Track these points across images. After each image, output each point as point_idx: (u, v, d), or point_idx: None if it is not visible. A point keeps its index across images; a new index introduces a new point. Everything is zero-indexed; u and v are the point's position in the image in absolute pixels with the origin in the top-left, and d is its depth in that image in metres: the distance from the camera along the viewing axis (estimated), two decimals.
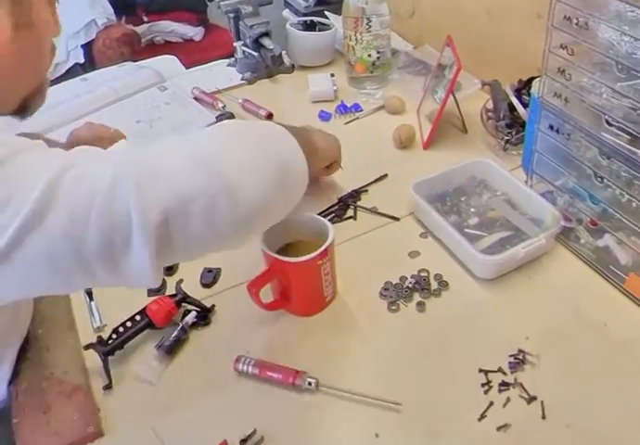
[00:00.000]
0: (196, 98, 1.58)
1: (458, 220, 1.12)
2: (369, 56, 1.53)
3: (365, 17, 1.47)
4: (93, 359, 0.93)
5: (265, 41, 1.58)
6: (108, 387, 0.90)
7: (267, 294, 0.97)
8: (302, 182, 0.81)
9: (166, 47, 2.93)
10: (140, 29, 2.90)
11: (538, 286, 1.01)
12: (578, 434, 0.80)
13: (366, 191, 1.24)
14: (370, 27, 1.48)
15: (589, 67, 0.91)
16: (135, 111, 1.36)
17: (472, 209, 1.14)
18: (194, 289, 1.03)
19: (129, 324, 0.95)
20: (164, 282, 1.06)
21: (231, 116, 1.47)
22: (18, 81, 0.77)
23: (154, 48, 2.91)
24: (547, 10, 0.92)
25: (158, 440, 0.83)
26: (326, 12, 1.78)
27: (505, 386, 0.86)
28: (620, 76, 0.86)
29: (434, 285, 1.02)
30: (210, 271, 1.08)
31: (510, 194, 1.15)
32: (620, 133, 0.89)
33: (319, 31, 1.72)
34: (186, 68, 1.80)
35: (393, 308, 0.99)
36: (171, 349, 0.94)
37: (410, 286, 1.02)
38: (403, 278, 1.03)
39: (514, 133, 1.28)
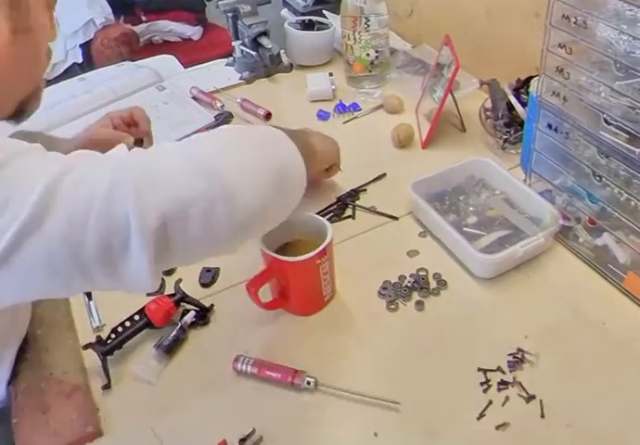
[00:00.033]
0: (194, 98, 1.58)
1: (457, 219, 1.12)
2: (368, 55, 1.53)
3: (364, 16, 1.47)
4: (92, 359, 0.93)
5: (264, 40, 1.58)
6: (106, 386, 0.90)
7: (266, 293, 0.97)
8: (301, 185, 0.81)
9: (164, 47, 2.93)
10: (138, 28, 2.90)
11: (537, 285, 1.01)
12: (577, 433, 0.80)
13: (365, 190, 1.24)
14: (368, 26, 1.48)
15: (587, 66, 0.91)
16: None
17: (471, 209, 1.14)
18: (193, 289, 1.03)
19: (128, 323, 0.95)
20: (163, 281, 1.06)
21: (229, 115, 1.47)
22: (15, 84, 0.77)
23: (152, 48, 2.91)
24: (546, 9, 0.92)
25: (157, 440, 0.83)
26: (324, 11, 1.78)
27: (503, 385, 0.86)
28: (618, 75, 0.86)
29: (433, 284, 1.02)
30: (208, 270, 1.07)
31: (509, 193, 1.15)
32: (618, 131, 0.89)
33: (317, 30, 1.72)
34: (185, 67, 1.80)
35: (392, 307, 0.99)
36: (169, 349, 0.94)
37: (409, 285, 1.02)
38: (401, 277, 1.03)
39: (512, 132, 1.28)
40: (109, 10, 2.75)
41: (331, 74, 1.60)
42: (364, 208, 1.19)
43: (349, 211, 1.19)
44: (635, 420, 0.81)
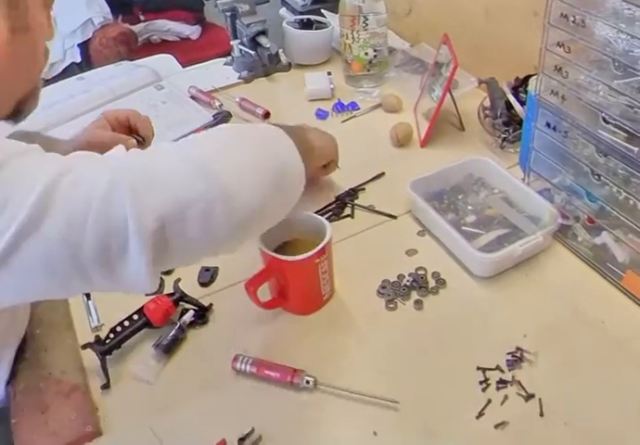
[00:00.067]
0: (193, 97, 1.58)
1: (456, 218, 1.12)
2: (366, 54, 1.53)
3: (362, 15, 1.47)
4: (90, 358, 0.93)
5: (262, 39, 1.58)
6: (105, 386, 0.90)
7: (265, 292, 0.97)
8: (299, 183, 0.81)
9: (163, 46, 2.93)
10: (137, 28, 2.90)
11: (536, 284, 1.01)
12: (576, 431, 0.80)
13: (364, 189, 1.24)
14: (367, 25, 1.48)
15: (586, 64, 0.91)
16: None
17: (469, 207, 1.14)
18: (191, 288, 1.03)
19: (126, 323, 0.95)
20: (162, 281, 1.06)
21: (228, 115, 1.47)
22: (12, 84, 0.76)
23: (151, 47, 2.91)
24: (544, 8, 0.92)
25: (156, 439, 0.83)
26: (322, 10, 1.78)
27: (502, 383, 0.86)
28: (616, 74, 0.86)
29: (432, 283, 1.02)
30: (207, 269, 1.07)
31: (507, 192, 1.15)
32: (616, 130, 0.89)
33: (316, 29, 1.72)
34: (183, 66, 1.80)
35: (391, 306, 0.99)
36: (168, 349, 0.94)
37: (408, 284, 1.02)
38: (400, 276, 1.03)
39: (511, 130, 1.28)
40: (108, 10, 2.75)
41: (330, 73, 1.60)
42: (363, 207, 1.19)
43: (347, 210, 1.19)
44: (634, 418, 0.81)
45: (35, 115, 0.84)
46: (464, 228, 1.09)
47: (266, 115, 1.48)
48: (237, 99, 1.54)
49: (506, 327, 0.94)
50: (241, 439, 0.81)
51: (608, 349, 0.90)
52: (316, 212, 1.11)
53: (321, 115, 1.48)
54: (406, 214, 1.17)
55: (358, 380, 0.88)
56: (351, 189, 1.23)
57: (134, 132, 1.24)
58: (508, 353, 0.90)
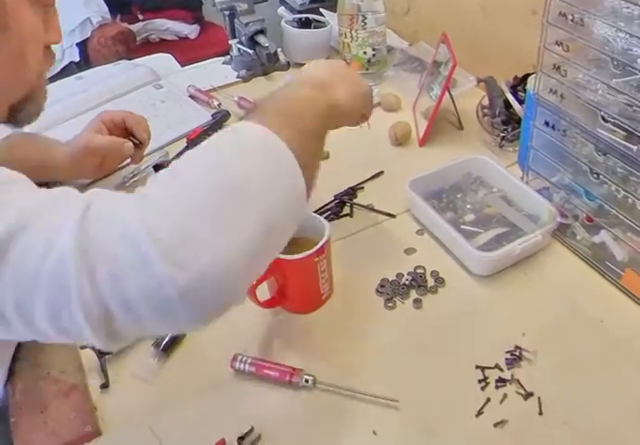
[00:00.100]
0: (191, 96, 1.58)
1: (454, 216, 1.12)
2: (365, 53, 1.53)
3: (361, 14, 1.47)
4: (89, 358, 0.93)
5: (261, 38, 1.58)
6: (104, 385, 0.90)
7: (264, 292, 0.97)
8: (292, 229, 0.68)
9: (161, 45, 2.93)
10: (135, 27, 2.89)
11: (534, 283, 1.01)
12: (575, 430, 0.80)
13: (362, 188, 1.24)
14: (365, 24, 1.48)
15: (584, 63, 0.91)
16: (131, 109, 1.35)
17: (468, 206, 1.14)
18: None
19: None
20: None
21: (227, 114, 1.47)
22: None
23: (149, 46, 2.91)
24: (542, 7, 0.92)
25: (155, 439, 0.83)
26: (321, 9, 1.78)
27: (501, 382, 0.86)
28: (615, 72, 0.86)
29: (431, 281, 1.02)
30: None
31: (506, 190, 1.15)
32: (615, 129, 0.89)
33: (314, 28, 1.72)
34: (182, 66, 1.80)
35: (390, 305, 0.99)
36: (167, 348, 0.94)
37: (406, 282, 1.02)
38: (399, 275, 1.03)
39: (510, 129, 1.28)
40: (106, 9, 2.74)
41: None
42: (362, 206, 1.19)
43: (346, 209, 1.19)
44: (633, 417, 0.81)
45: None
46: (463, 227, 1.09)
47: None
48: (236, 98, 1.54)
49: (505, 326, 0.94)
50: (240, 438, 0.81)
51: (607, 348, 0.90)
52: (315, 211, 1.11)
53: None
54: (405, 213, 1.17)
55: (357, 379, 0.88)
56: (349, 188, 1.23)
57: (130, 134, 1.24)
58: (507, 352, 0.90)
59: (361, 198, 1.21)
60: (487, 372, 0.87)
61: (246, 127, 0.68)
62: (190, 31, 3.04)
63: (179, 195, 0.59)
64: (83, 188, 1.13)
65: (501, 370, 0.88)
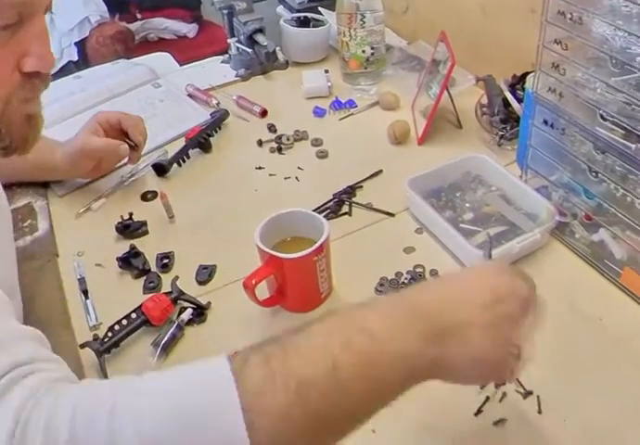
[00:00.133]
0: (190, 95, 1.58)
1: (453, 215, 1.12)
2: (363, 52, 1.53)
3: (359, 13, 1.46)
4: (89, 357, 0.93)
5: (259, 37, 1.58)
6: None
7: (263, 290, 0.97)
8: None
9: (160, 44, 2.93)
10: (133, 26, 2.90)
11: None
12: (574, 428, 0.80)
13: (361, 187, 1.24)
14: (364, 23, 1.48)
15: (583, 62, 0.91)
16: (129, 108, 1.36)
17: (467, 205, 1.14)
18: (189, 286, 1.03)
19: (125, 321, 0.95)
20: (160, 279, 1.06)
21: (225, 113, 1.47)
22: None
23: (148, 45, 2.91)
24: (541, 5, 0.92)
25: None
26: (319, 8, 1.78)
27: None
28: (614, 71, 0.86)
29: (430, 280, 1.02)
30: (205, 268, 1.07)
31: (505, 189, 1.15)
32: (614, 127, 0.89)
33: (313, 27, 1.72)
34: (180, 65, 1.80)
35: None
36: (167, 347, 0.94)
37: (406, 281, 1.02)
38: (398, 274, 1.03)
39: (508, 128, 1.28)
40: (105, 8, 2.75)
41: (327, 71, 1.60)
42: (361, 204, 1.19)
43: (345, 208, 1.19)
44: (632, 416, 0.81)
45: None
46: (461, 225, 1.09)
47: (263, 113, 1.48)
48: (235, 97, 1.54)
49: None
50: None
51: (606, 347, 0.90)
52: (314, 210, 1.11)
53: (318, 113, 1.48)
54: (404, 212, 1.17)
55: None
56: (348, 187, 1.23)
57: (125, 135, 1.24)
58: None
59: (360, 197, 1.21)
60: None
61: (227, 387, 0.54)
62: (189, 30, 3.04)
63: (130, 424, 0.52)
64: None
65: None
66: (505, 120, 1.28)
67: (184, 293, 1.01)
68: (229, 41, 1.65)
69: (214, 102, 1.53)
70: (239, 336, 0.96)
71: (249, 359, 0.57)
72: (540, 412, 0.82)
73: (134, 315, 0.96)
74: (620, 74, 0.86)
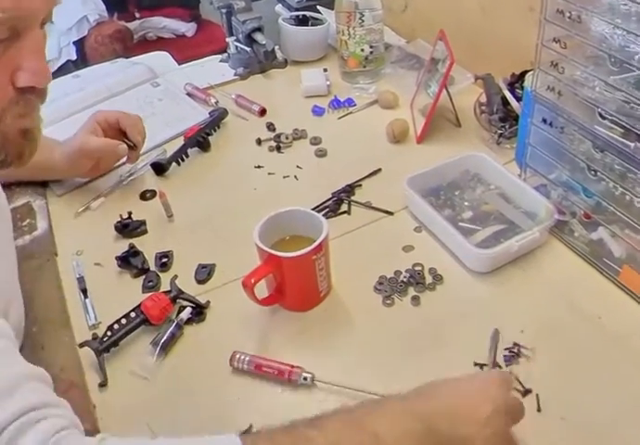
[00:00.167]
0: (189, 94, 1.58)
1: (452, 214, 1.12)
2: (362, 50, 1.53)
3: (358, 11, 1.46)
4: (88, 356, 0.93)
5: (258, 36, 1.58)
6: (103, 384, 0.90)
7: (262, 289, 0.97)
8: None
9: (158, 43, 2.93)
10: (132, 25, 2.90)
11: (532, 280, 1.01)
12: (573, 426, 0.80)
13: (360, 186, 1.24)
14: (363, 21, 1.48)
15: (582, 60, 0.91)
16: (128, 108, 1.36)
17: (466, 203, 1.14)
18: (188, 285, 1.03)
19: (124, 320, 0.95)
20: (159, 278, 1.06)
21: (224, 112, 1.47)
22: None
23: (146, 44, 2.91)
24: (540, 4, 0.92)
25: (153, 437, 0.83)
26: (318, 7, 1.77)
27: None
28: (613, 69, 0.86)
29: (429, 279, 1.02)
30: (204, 267, 1.07)
31: (504, 187, 1.15)
32: (613, 126, 0.89)
33: (312, 25, 1.71)
34: (179, 64, 1.80)
35: (388, 302, 0.99)
36: (166, 346, 0.94)
37: (405, 280, 1.02)
38: (397, 272, 1.03)
39: (507, 126, 1.28)
40: (103, 7, 2.75)
41: (326, 70, 1.60)
42: (360, 203, 1.19)
43: (344, 207, 1.19)
44: (630, 413, 0.82)
45: None
46: (460, 224, 1.09)
47: (262, 112, 1.48)
48: (233, 96, 1.54)
49: (504, 323, 0.94)
50: None
51: (605, 345, 0.90)
52: (313, 209, 1.11)
53: (317, 111, 1.48)
54: (403, 210, 1.17)
55: (356, 376, 0.88)
56: (347, 185, 1.23)
57: (124, 135, 1.24)
58: (505, 349, 0.90)
59: (359, 196, 1.21)
60: (485, 369, 0.87)
61: None
62: (187, 29, 3.04)
63: None
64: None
65: (499, 367, 0.88)
66: (503, 118, 1.28)
67: (183, 292, 1.01)
68: (228, 40, 1.65)
69: (213, 101, 1.53)
70: (238, 335, 0.96)
71: None
72: (539, 410, 0.83)
73: (133, 314, 0.96)
74: (618, 73, 0.86)
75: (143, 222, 1.17)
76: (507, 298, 0.99)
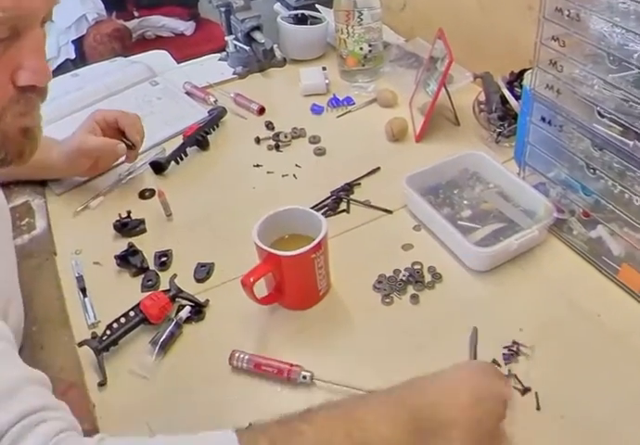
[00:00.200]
0: (187, 93, 1.58)
1: (451, 212, 1.12)
2: (361, 49, 1.53)
3: (357, 10, 1.46)
4: (87, 355, 0.93)
5: (257, 35, 1.58)
6: (102, 383, 0.90)
7: (261, 288, 0.97)
8: None
9: (157, 42, 2.93)
10: (131, 24, 2.90)
11: (531, 278, 1.01)
12: (572, 424, 0.80)
13: (359, 184, 1.24)
14: (361, 20, 1.48)
15: (581, 58, 0.91)
16: (127, 107, 1.36)
17: (465, 202, 1.14)
18: (187, 284, 1.03)
19: (123, 319, 0.95)
20: (158, 277, 1.06)
21: (223, 110, 1.47)
22: None
23: (145, 43, 2.91)
24: (538, 2, 0.92)
25: (152, 436, 0.83)
26: (317, 5, 1.77)
27: None
28: (611, 68, 0.86)
29: (428, 277, 1.02)
30: (203, 266, 1.07)
31: (503, 186, 1.15)
32: (611, 124, 0.89)
33: (310, 24, 1.71)
34: (178, 62, 1.80)
35: (387, 301, 0.99)
36: (165, 345, 0.94)
37: (404, 278, 1.02)
38: (396, 271, 1.03)
39: (506, 125, 1.28)
40: (102, 6, 2.75)
41: (324, 68, 1.60)
42: (359, 202, 1.19)
43: (343, 206, 1.19)
44: (630, 412, 0.82)
45: None
46: (459, 222, 1.09)
47: (261, 110, 1.48)
48: (232, 95, 1.54)
49: (503, 321, 0.94)
50: None
51: (604, 343, 0.90)
52: (312, 207, 1.11)
53: (316, 110, 1.48)
54: (402, 209, 1.17)
55: (355, 375, 0.88)
56: (346, 184, 1.23)
57: (123, 134, 1.24)
58: (504, 347, 0.90)
59: (357, 194, 1.21)
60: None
61: None
62: (186, 27, 3.04)
63: None
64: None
65: (498, 365, 0.88)
66: (502, 117, 1.28)
67: (182, 291, 1.01)
68: (226, 38, 1.65)
69: (212, 100, 1.53)
70: (237, 334, 0.96)
71: (257, 442, 0.64)
72: (538, 408, 0.83)
73: (132, 313, 0.96)
74: (617, 71, 0.86)
75: (142, 221, 1.17)
76: (506, 296, 0.99)
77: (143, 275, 1.07)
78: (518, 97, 1.23)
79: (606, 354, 0.89)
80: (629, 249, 0.95)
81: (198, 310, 1.00)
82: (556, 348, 0.90)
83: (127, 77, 1.63)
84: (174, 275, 1.05)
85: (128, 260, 1.08)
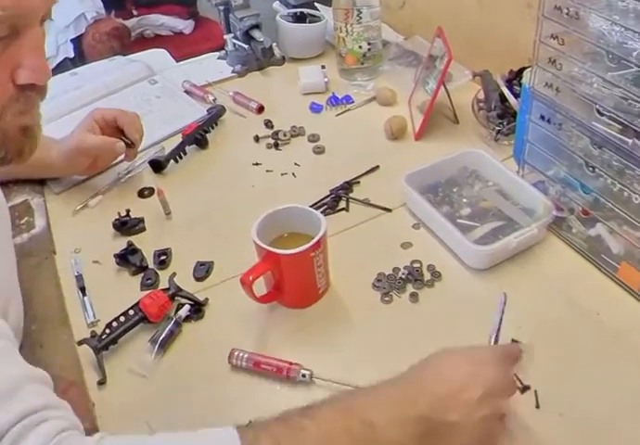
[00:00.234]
0: (186, 91, 1.58)
1: (450, 210, 1.12)
2: (360, 47, 1.53)
3: (356, 8, 1.46)
4: (87, 354, 0.93)
5: (256, 33, 1.58)
6: (102, 382, 0.90)
7: (260, 286, 0.97)
8: None
9: (156, 41, 2.93)
10: (130, 22, 2.89)
11: (531, 276, 1.01)
12: (571, 423, 0.80)
13: (358, 183, 1.24)
14: (361, 18, 1.48)
15: (580, 57, 0.91)
16: (126, 105, 1.35)
17: (464, 200, 1.14)
18: (187, 283, 1.03)
19: (122, 318, 0.95)
20: (157, 276, 1.06)
21: (222, 109, 1.46)
22: None
23: (144, 42, 2.91)
24: (537, 0, 0.92)
25: (152, 434, 0.83)
26: (316, 4, 1.77)
27: None
28: (610, 66, 0.86)
29: (427, 275, 1.02)
30: (202, 264, 1.07)
31: (502, 184, 1.15)
32: (611, 122, 0.89)
33: (309, 22, 1.71)
34: (177, 61, 1.80)
35: (386, 299, 0.99)
36: (164, 343, 0.94)
37: (403, 277, 1.02)
38: (395, 269, 1.03)
39: (505, 123, 1.28)
40: (100, 4, 2.74)
41: (323, 67, 1.60)
42: (358, 200, 1.19)
43: (342, 204, 1.19)
44: (629, 410, 0.82)
45: None
46: (459, 221, 1.09)
47: (260, 109, 1.48)
48: (231, 93, 1.54)
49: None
50: None
51: (603, 341, 0.90)
52: (311, 206, 1.11)
53: (315, 108, 1.48)
54: (401, 207, 1.17)
55: (354, 373, 0.88)
56: (345, 182, 1.23)
57: (121, 133, 1.24)
58: None
59: (357, 193, 1.21)
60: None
61: None
62: (185, 26, 3.04)
63: None
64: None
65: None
66: (501, 115, 1.28)
67: (181, 289, 1.01)
68: (225, 37, 1.65)
69: (211, 98, 1.52)
70: (237, 333, 0.96)
71: (259, 440, 0.63)
72: (537, 406, 0.83)
73: (131, 312, 0.96)
74: (616, 69, 0.86)
75: (141, 220, 1.17)
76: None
77: (142, 274, 1.07)
78: (517, 95, 1.23)
79: (605, 352, 0.89)
80: (628, 247, 0.95)
81: (198, 308, 1.00)
82: (555, 346, 0.90)
83: (126, 76, 1.62)
84: (174, 274, 1.05)
85: (127, 258, 1.08)
